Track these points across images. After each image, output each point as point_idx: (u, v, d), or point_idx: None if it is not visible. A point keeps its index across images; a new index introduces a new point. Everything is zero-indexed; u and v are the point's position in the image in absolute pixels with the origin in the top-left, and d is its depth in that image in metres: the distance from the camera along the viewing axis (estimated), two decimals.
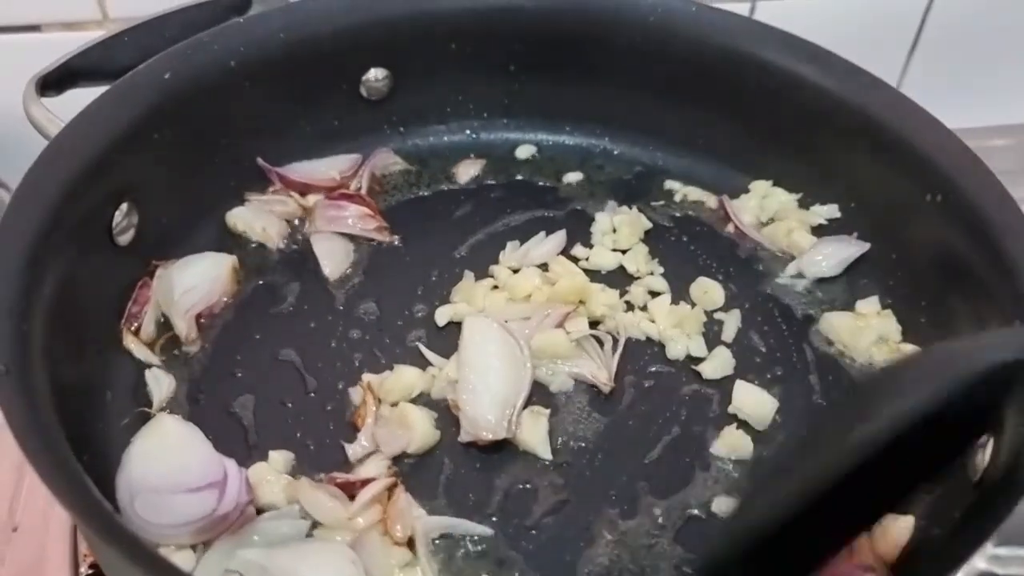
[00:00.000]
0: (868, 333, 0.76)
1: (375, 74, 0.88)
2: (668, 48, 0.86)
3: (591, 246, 0.84)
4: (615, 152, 0.93)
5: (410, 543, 0.61)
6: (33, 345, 0.57)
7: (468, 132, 0.93)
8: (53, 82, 0.77)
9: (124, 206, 0.72)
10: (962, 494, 0.60)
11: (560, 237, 0.84)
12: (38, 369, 0.56)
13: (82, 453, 0.54)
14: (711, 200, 0.88)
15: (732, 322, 0.78)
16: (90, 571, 0.64)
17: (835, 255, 0.81)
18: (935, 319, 0.75)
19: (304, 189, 0.85)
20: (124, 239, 0.73)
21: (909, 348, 0.75)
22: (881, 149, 0.77)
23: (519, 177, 0.91)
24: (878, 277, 0.80)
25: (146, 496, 0.58)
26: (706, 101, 0.87)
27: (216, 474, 0.59)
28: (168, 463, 0.60)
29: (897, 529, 0.61)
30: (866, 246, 0.81)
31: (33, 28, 1.02)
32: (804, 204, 0.86)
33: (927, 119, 0.75)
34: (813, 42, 0.82)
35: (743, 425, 0.70)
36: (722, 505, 0.65)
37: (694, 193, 0.89)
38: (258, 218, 0.82)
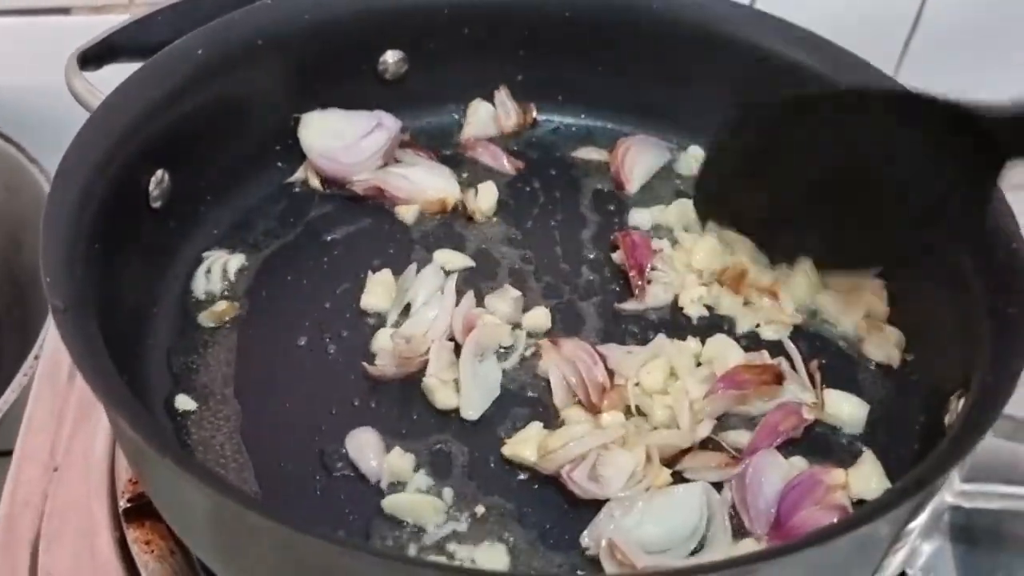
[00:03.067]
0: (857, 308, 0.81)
1: (391, 55, 0.92)
2: (672, 35, 0.91)
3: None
4: (624, 133, 0.96)
5: None
6: (84, 288, 0.62)
7: None
8: (93, 57, 0.82)
9: (159, 172, 0.77)
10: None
11: None
12: (89, 306, 0.61)
13: (122, 373, 0.59)
14: None
15: None
16: (128, 504, 0.69)
17: None
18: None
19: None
20: (159, 203, 0.78)
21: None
22: None
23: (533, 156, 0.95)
24: None
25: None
26: (708, 87, 0.91)
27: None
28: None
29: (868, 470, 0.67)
30: None
31: (63, 11, 1.07)
32: None
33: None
34: (815, 32, 0.86)
35: None
36: None
37: None
38: None
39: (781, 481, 0.66)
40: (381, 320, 0.78)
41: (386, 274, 0.80)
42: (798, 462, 0.69)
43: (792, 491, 0.65)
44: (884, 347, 0.77)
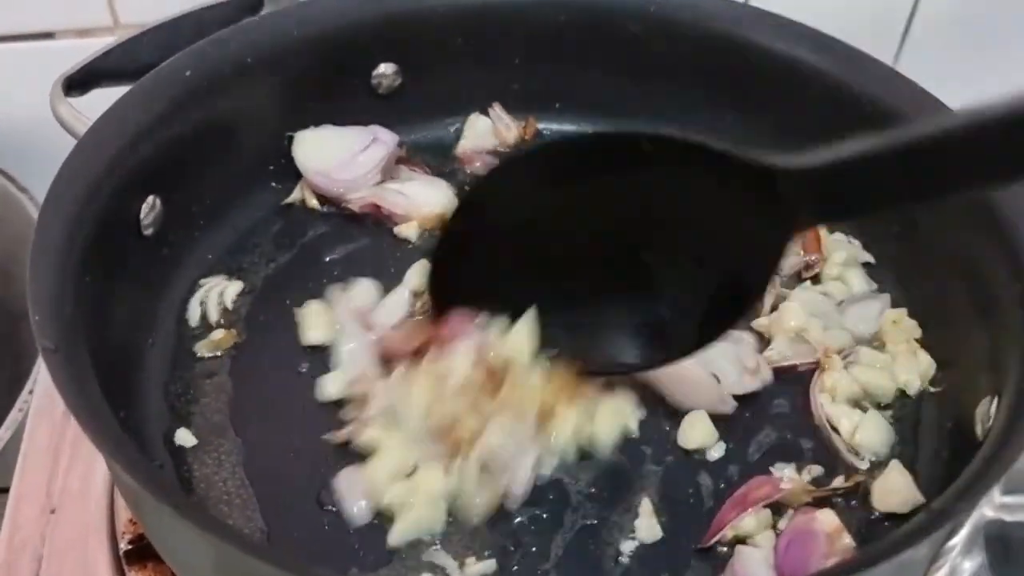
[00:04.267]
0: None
1: (385, 68, 0.90)
2: (669, 36, 0.89)
3: None
4: None
5: None
6: (74, 325, 0.59)
7: None
8: (77, 82, 0.80)
9: (150, 199, 0.75)
10: (969, 456, 0.63)
11: None
12: (80, 344, 0.59)
13: (119, 410, 0.57)
14: None
15: None
16: (129, 546, 0.66)
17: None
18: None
19: None
20: (150, 230, 0.75)
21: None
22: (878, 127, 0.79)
23: None
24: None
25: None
26: (708, 88, 0.90)
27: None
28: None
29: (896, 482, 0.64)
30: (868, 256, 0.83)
31: (47, 35, 1.05)
32: None
33: (924, 96, 0.78)
34: (810, 26, 0.84)
35: None
36: None
37: None
38: None
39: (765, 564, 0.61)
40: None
41: (316, 304, 0.76)
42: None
43: (787, 557, 0.60)
44: (911, 372, 0.73)
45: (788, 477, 0.65)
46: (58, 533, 0.70)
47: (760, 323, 0.77)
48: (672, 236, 0.61)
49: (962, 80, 1.13)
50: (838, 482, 0.66)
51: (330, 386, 0.70)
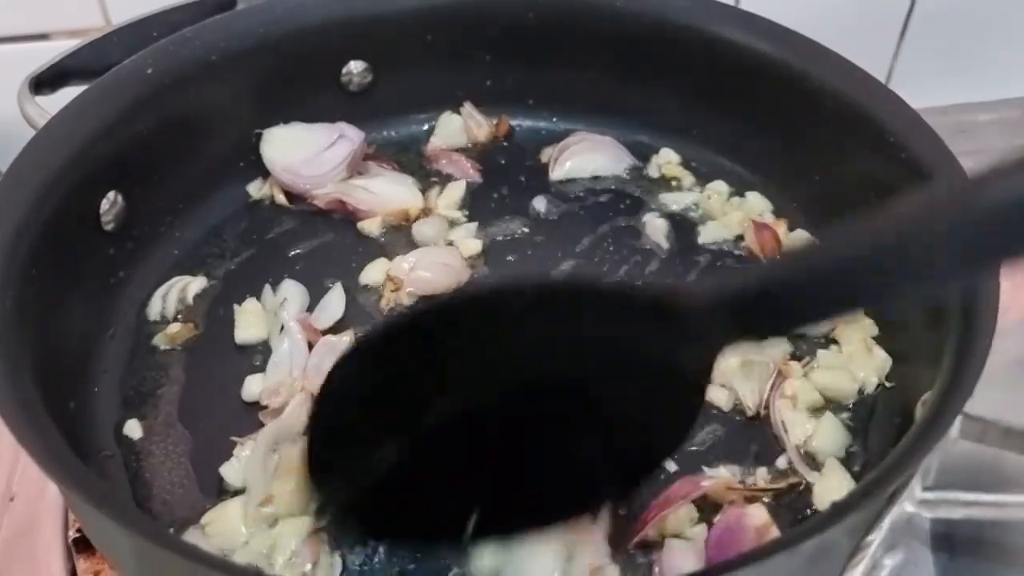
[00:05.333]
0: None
1: (354, 66, 0.91)
2: (637, 31, 0.88)
3: None
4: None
5: None
6: (15, 316, 0.61)
7: None
8: (47, 81, 0.81)
9: (111, 195, 0.76)
10: None
11: None
12: (20, 336, 0.60)
13: (69, 400, 0.59)
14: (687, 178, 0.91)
15: None
16: (77, 534, 0.68)
17: None
18: None
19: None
20: (112, 225, 0.76)
21: None
22: (837, 120, 0.78)
23: (501, 161, 0.93)
24: None
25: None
26: (676, 81, 0.89)
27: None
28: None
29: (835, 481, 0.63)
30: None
31: (42, 37, 1.07)
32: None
33: (882, 90, 0.77)
34: (771, 20, 0.84)
35: None
36: None
37: (671, 171, 0.92)
38: None
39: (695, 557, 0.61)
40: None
41: (253, 303, 0.78)
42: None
43: (717, 551, 0.60)
44: (867, 369, 0.72)
45: (716, 476, 0.64)
46: (14, 520, 0.72)
47: None
48: (581, 384, 0.51)
49: (958, 76, 1.14)
50: (777, 482, 0.65)
51: (253, 387, 0.72)
